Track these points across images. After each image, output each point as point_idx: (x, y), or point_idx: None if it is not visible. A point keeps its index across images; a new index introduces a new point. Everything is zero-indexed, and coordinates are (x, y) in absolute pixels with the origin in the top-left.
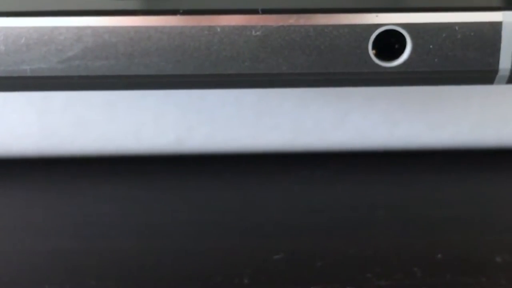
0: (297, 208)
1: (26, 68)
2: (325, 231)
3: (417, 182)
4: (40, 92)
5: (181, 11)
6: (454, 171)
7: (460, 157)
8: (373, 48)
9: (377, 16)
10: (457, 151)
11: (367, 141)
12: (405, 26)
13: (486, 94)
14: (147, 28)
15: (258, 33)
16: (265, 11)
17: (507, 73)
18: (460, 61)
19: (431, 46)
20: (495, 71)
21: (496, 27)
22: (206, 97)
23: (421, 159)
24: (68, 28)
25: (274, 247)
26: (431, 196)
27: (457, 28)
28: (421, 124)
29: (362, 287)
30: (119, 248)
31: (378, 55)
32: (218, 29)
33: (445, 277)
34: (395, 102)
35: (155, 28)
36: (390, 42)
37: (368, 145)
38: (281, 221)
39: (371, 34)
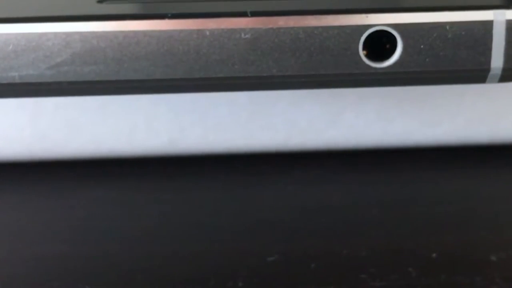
0: (291, 209)
1: (15, 75)
2: (319, 232)
3: (412, 180)
4: None
5: (169, 15)
6: (448, 168)
7: (454, 154)
8: (364, 49)
9: (367, 16)
10: (451, 148)
11: (361, 139)
12: (395, 26)
13: (479, 91)
14: (136, 33)
15: (247, 36)
16: (254, 14)
17: (499, 72)
18: (452, 61)
19: (422, 46)
20: (487, 70)
21: (487, 26)
22: (199, 98)
23: (415, 157)
24: (56, 34)
25: (268, 248)
26: (425, 194)
27: (448, 27)
28: (415, 121)
29: None
30: (112, 252)
31: (369, 56)
32: (207, 33)
33: (440, 277)
34: (389, 100)
35: (144, 33)
36: (380, 43)
37: (362, 144)
38: (275, 222)
39: (361, 35)
